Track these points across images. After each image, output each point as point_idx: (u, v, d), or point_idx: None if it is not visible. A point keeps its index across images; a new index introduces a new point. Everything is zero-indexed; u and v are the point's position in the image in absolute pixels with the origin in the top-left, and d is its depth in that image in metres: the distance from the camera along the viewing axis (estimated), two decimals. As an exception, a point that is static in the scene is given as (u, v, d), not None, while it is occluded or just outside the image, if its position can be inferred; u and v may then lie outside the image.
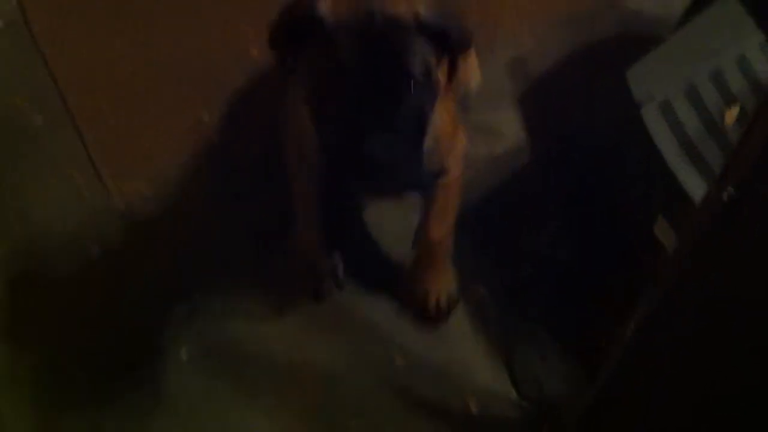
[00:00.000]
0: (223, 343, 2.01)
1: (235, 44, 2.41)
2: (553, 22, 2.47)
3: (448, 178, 1.87)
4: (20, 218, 2.18)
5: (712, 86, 1.76)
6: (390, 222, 2.16)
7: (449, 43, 1.55)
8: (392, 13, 1.47)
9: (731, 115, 1.72)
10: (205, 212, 2.20)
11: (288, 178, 1.99)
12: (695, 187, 1.64)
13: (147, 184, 2.23)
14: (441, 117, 1.67)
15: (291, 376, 1.97)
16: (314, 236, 2.01)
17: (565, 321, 2.00)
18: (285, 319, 2.04)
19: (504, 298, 2.05)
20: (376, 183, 1.66)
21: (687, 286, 1.29)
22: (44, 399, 1.94)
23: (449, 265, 2.01)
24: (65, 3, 2.51)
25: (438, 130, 1.67)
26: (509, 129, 2.33)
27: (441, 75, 1.59)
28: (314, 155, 1.71)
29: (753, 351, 1.24)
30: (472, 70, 2.17)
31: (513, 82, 2.40)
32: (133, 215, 2.19)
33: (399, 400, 1.94)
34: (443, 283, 2.00)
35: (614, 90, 1.92)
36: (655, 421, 1.53)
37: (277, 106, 1.97)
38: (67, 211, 2.19)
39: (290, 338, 2.02)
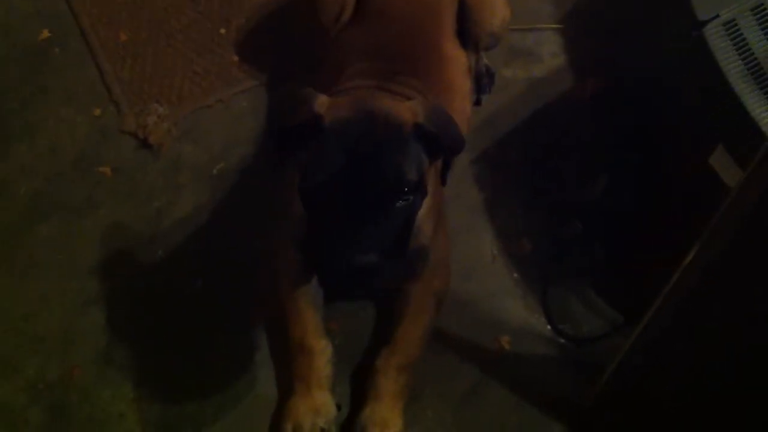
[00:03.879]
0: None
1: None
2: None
3: (421, 284, 1.76)
4: (37, 145, 2.13)
5: (783, 3, 1.62)
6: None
7: (442, 149, 1.53)
8: (393, 115, 1.46)
9: (803, 35, 1.58)
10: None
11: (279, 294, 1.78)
12: (762, 112, 1.51)
13: (162, 103, 2.15)
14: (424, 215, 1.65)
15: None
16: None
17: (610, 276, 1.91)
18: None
19: (549, 253, 1.95)
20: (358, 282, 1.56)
21: (756, 226, 1.17)
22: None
23: (400, 406, 1.70)
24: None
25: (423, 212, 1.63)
26: (548, 52, 2.20)
27: (431, 175, 1.58)
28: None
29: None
30: (495, 4, 2.01)
31: (553, 1, 2.25)
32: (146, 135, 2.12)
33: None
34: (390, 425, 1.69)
35: (671, 8, 1.77)
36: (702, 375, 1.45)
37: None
38: (81, 134, 2.13)
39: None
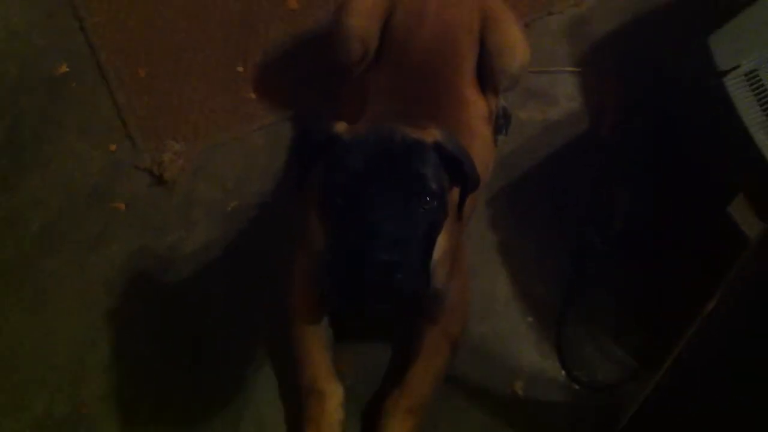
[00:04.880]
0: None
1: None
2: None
3: (436, 327, 1.76)
4: (50, 178, 2.14)
5: (805, 55, 1.61)
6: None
7: (461, 174, 1.54)
8: (412, 133, 1.47)
9: (825, 86, 1.58)
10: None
11: (292, 317, 1.80)
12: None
13: (177, 139, 2.16)
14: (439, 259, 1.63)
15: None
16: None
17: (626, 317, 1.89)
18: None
19: (563, 295, 1.92)
20: (379, 301, 1.53)
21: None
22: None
23: None
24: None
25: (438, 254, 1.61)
26: (564, 94, 2.19)
27: (449, 209, 1.55)
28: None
29: None
30: (515, 46, 1.98)
31: (570, 43, 2.25)
32: (161, 171, 2.11)
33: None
34: None
35: (692, 55, 1.77)
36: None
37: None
38: (95, 168, 2.14)
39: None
